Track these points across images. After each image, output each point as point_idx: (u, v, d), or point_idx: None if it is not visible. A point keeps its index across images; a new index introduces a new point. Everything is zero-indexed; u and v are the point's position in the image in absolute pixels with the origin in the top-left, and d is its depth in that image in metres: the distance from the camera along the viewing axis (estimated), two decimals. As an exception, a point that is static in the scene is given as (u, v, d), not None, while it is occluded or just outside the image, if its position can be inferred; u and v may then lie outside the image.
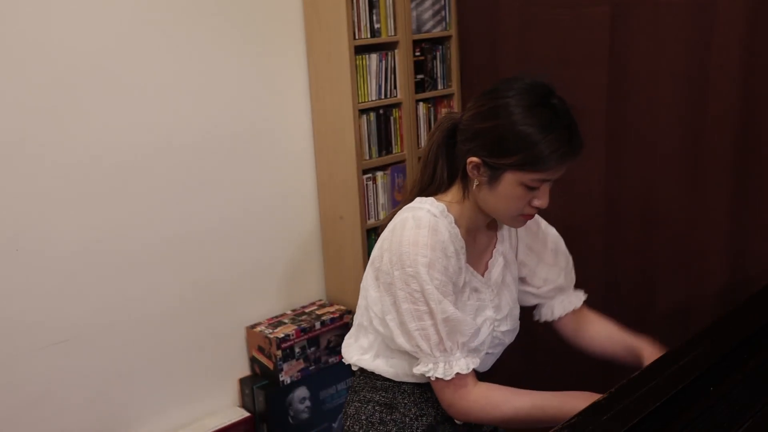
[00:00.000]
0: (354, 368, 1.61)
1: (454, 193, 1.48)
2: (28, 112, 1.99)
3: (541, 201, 1.41)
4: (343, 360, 1.62)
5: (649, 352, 1.53)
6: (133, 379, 2.27)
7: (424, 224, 1.40)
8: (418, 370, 1.42)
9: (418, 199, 1.48)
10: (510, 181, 1.39)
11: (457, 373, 1.39)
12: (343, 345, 1.63)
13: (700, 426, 1.23)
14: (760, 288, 1.73)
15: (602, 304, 2.34)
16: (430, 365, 1.40)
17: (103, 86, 2.10)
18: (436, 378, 1.40)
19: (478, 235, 1.54)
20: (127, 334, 2.24)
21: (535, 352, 1.79)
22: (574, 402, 1.36)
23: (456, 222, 1.46)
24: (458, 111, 2.33)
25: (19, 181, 1.99)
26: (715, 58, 1.99)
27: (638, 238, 2.25)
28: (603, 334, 1.66)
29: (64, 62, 2.03)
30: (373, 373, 1.56)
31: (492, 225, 1.57)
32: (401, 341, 1.43)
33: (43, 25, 1.98)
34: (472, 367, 1.40)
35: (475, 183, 1.43)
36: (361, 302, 1.54)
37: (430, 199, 1.47)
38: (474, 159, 1.41)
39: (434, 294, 1.37)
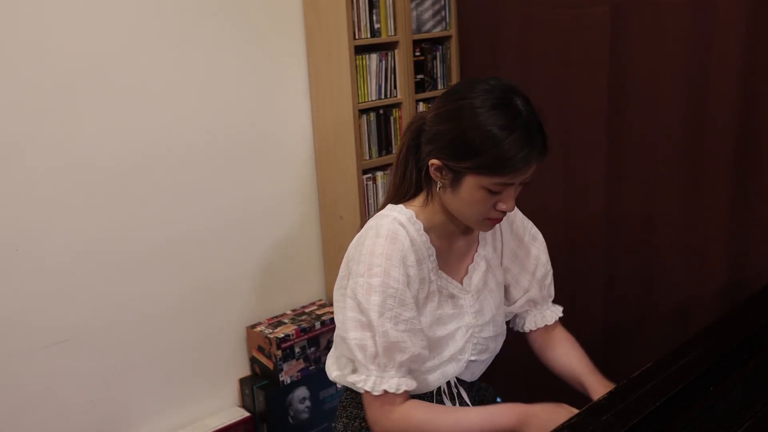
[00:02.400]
0: (338, 385, 1.60)
1: (424, 197, 1.45)
2: (28, 114, 1.99)
3: (506, 205, 1.37)
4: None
5: (597, 395, 1.48)
6: (133, 379, 2.27)
7: (383, 233, 1.39)
8: (351, 378, 1.42)
9: (388, 206, 1.46)
10: (471, 185, 1.35)
11: (385, 391, 1.37)
12: (327, 358, 1.61)
13: (700, 426, 1.24)
14: (760, 288, 1.73)
15: (602, 303, 2.36)
16: (363, 376, 1.39)
17: (103, 87, 2.10)
18: (365, 390, 1.39)
19: (455, 239, 1.51)
20: (127, 334, 2.24)
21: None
22: (499, 411, 1.35)
23: (426, 228, 1.43)
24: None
25: (19, 182, 1.99)
26: (715, 58, 1.99)
27: (638, 238, 2.25)
28: (564, 361, 1.61)
29: (63, 63, 2.03)
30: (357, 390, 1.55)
31: (472, 228, 1.54)
32: (342, 348, 1.43)
33: (43, 27, 1.98)
34: (403, 388, 1.38)
35: (438, 185, 1.40)
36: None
37: (400, 206, 1.44)
38: (435, 161, 1.37)
39: (381, 307, 1.35)
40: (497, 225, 1.57)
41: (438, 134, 1.37)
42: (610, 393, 1.30)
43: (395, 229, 1.39)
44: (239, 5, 2.35)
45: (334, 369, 1.57)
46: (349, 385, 1.53)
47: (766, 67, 1.92)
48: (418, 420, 1.38)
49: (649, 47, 2.12)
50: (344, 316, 1.40)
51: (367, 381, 1.38)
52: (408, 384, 1.39)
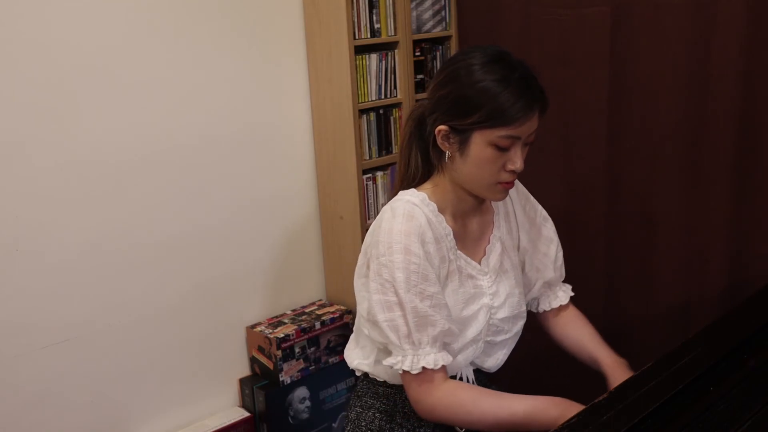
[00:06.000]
0: (358, 372, 1.60)
1: (433, 180, 1.48)
2: (28, 112, 1.99)
3: (515, 164, 1.39)
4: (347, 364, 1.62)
5: (610, 368, 1.52)
6: (133, 379, 2.27)
7: (399, 212, 1.40)
8: (387, 362, 1.40)
9: (400, 192, 1.48)
10: (479, 143, 1.37)
11: (424, 368, 1.36)
12: (346, 349, 1.62)
13: (700, 426, 1.24)
14: (760, 288, 1.73)
15: (603, 303, 2.36)
16: (399, 357, 1.38)
17: (104, 86, 2.10)
18: (403, 371, 1.38)
19: (469, 220, 1.53)
20: (128, 334, 2.24)
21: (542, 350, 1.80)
22: (544, 407, 1.34)
23: (439, 209, 1.45)
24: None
25: (18, 182, 1.99)
26: (715, 58, 1.99)
27: (639, 238, 2.25)
28: (575, 339, 1.64)
29: (64, 63, 2.03)
30: (375, 379, 1.55)
31: (486, 211, 1.56)
32: (374, 335, 1.43)
33: (43, 26, 1.98)
34: (441, 363, 1.37)
35: (447, 155, 1.42)
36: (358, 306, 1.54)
37: (411, 190, 1.47)
38: (442, 127, 1.40)
39: (406, 283, 1.35)
40: (510, 207, 1.60)
41: (439, 100, 1.41)
42: (610, 393, 1.30)
43: (411, 208, 1.41)
44: (239, 6, 2.35)
45: (355, 357, 1.57)
46: (373, 374, 1.53)
47: (766, 66, 1.92)
48: (462, 398, 1.38)
49: (649, 47, 2.12)
50: (370, 300, 1.40)
51: (404, 361, 1.37)
52: (445, 358, 1.39)
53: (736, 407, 1.28)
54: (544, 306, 1.68)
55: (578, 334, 1.65)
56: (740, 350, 1.44)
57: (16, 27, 1.94)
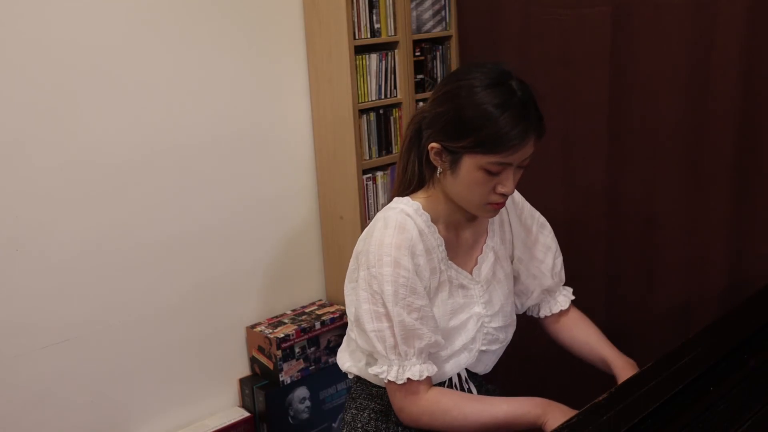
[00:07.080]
0: (350, 375, 1.61)
1: (428, 189, 1.48)
2: (27, 112, 1.98)
3: (505, 188, 1.38)
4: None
5: (620, 369, 1.53)
6: (133, 379, 2.27)
7: (391, 224, 1.41)
8: (373, 370, 1.42)
9: (395, 199, 1.48)
10: (469, 166, 1.37)
11: (409, 378, 1.38)
12: (338, 351, 1.63)
13: (700, 426, 1.24)
14: (760, 288, 1.73)
15: (604, 304, 2.36)
16: (385, 367, 1.40)
17: (103, 86, 2.10)
18: (389, 380, 1.40)
19: (462, 230, 1.53)
20: (128, 334, 2.24)
21: (537, 354, 1.80)
22: (526, 407, 1.37)
23: (432, 219, 1.45)
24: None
25: (18, 181, 1.99)
26: (715, 58, 1.99)
27: (640, 239, 2.25)
28: (582, 340, 1.65)
29: (64, 62, 2.03)
30: (368, 381, 1.56)
31: (481, 221, 1.56)
32: (361, 342, 1.44)
33: (43, 25, 1.98)
34: (426, 374, 1.39)
35: (439, 171, 1.42)
36: None
37: (406, 198, 1.47)
38: (435, 145, 1.40)
39: (394, 296, 1.36)
40: (506, 216, 1.60)
41: (436, 116, 1.40)
42: (610, 393, 1.30)
43: (403, 219, 1.41)
44: (239, 5, 2.35)
45: (347, 360, 1.58)
46: (364, 376, 1.54)
47: (766, 67, 1.92)
48: (445, 405, 1.40)
49: (649, 47, 2.12)
50: (359, 309, 1.41)
51: (389, 371, 1.39)
52: (430, 369, 1.40)
53: (736, 407, 1.28)
54: (545, 312, 1.68)
55: (585, 336, 1.65)
56: (740, 350, 1.44)
57: (16, 27, 1.94)
